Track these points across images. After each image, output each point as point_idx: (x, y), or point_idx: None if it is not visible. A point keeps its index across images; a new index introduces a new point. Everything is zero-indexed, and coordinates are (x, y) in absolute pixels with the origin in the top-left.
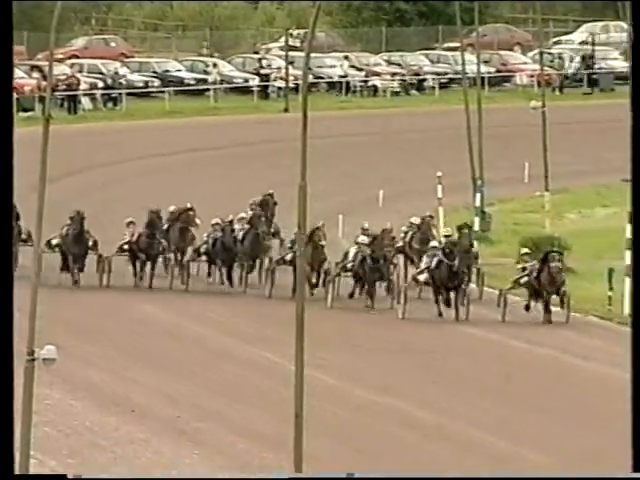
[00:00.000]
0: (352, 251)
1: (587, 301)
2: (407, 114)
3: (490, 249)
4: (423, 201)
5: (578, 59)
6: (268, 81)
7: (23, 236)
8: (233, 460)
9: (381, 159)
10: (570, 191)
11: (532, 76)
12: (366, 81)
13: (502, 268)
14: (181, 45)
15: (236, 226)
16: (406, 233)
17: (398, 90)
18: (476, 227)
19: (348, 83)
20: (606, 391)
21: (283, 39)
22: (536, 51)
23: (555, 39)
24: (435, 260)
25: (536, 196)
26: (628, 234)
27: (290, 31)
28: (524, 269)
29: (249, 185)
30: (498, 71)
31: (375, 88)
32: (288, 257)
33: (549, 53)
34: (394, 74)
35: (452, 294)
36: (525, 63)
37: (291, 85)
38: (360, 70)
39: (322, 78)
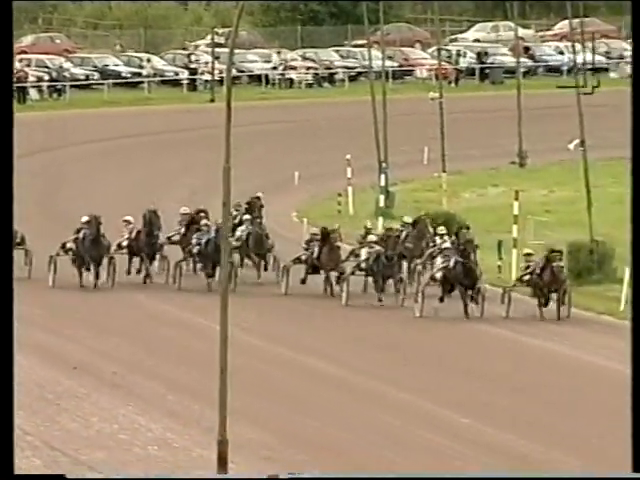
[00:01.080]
0: (364, 251)
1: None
2: (320, 104)
3: (394, 224)
4: (334, 182)
5: (471, 55)
6: (196, 74)
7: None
8: (163, 410)
9: (297, 144)
10: (464, 173)
11: (430, 70)
12: (283, 74)
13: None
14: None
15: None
16: (401, 232)
17: (312, 82)
18: (381, 204)
19: (267, 76)
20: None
21: (210, 37)
22: (434, 48)
23: (451, 37)
24: (452, 260)
25: (434, 177)
26: (515, 210)
27: (216, 29)
28: (527, 267)
29: (179, 166)
30: (400, 66)
31: (291, 81)
32: (303, 257)
33: (446, 49)
34: (308, 68)
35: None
36: (424, 58)
37: (217, 78)
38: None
39: (244, 72)
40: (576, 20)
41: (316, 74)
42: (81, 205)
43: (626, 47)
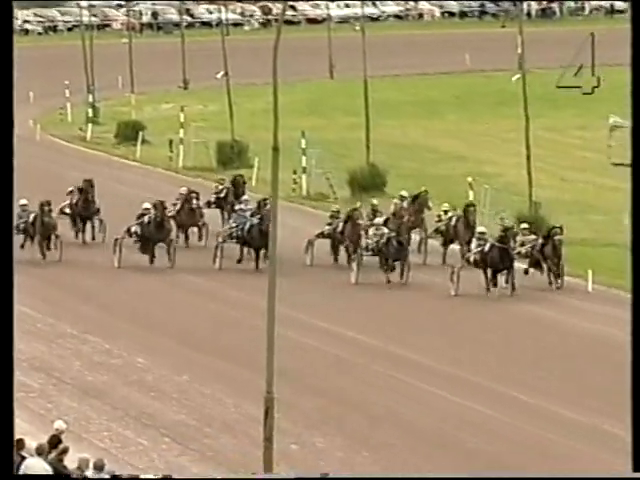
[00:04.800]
0: (370, 232)
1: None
2: (43, 48)
3: (99, 128)
4: (57, 99)
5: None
6: None
7: None
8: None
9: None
10: (147, 93)
11: (123, 24)
12: None
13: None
14: None
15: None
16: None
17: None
18: (90, 115)
19: None
20: None
21: None
22: (124, 9)
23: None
24: (488, 244)
25: (126, 96)
26: (181, 119)
27: None
28: (523, 243)
29: None
30: (102, 20)
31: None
32: (326, 231)
33: (134, 10)
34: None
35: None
36: (118, 16)
37: None
38: None
39: None
40: None
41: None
42: None
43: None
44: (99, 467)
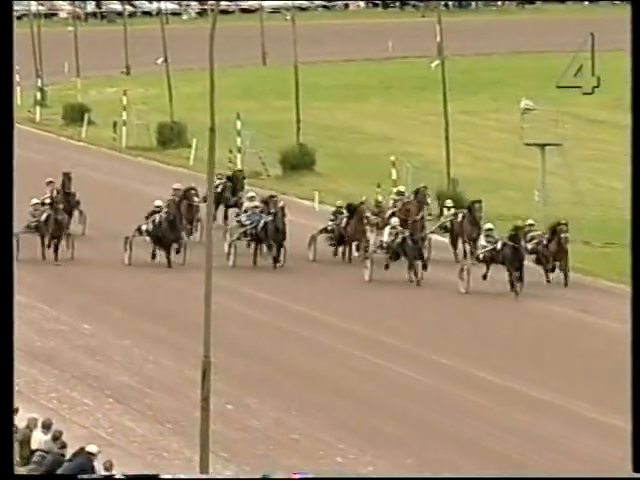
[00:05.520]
0: (386, 231)
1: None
2: None
3: (47, 110)
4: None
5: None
6: None
7: None
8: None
9: None
10: (91, 78)
11: (69, 13)
12: None
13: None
14: None
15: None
16: (397, 201)
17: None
18: (38, 98)
19: None
20: None
21: None
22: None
23: None
24: (500, 242)
25: (72, 81)
26: (124, 102)
27: None
28: (532, 238)
29: None
30: (49, 9)
31: None
32: (330, 226)
33: None
34: None
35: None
36: (64, 6)
37: None
38: None
39: None
40: None
41: None
42: None
43: None
44: (47, 426)
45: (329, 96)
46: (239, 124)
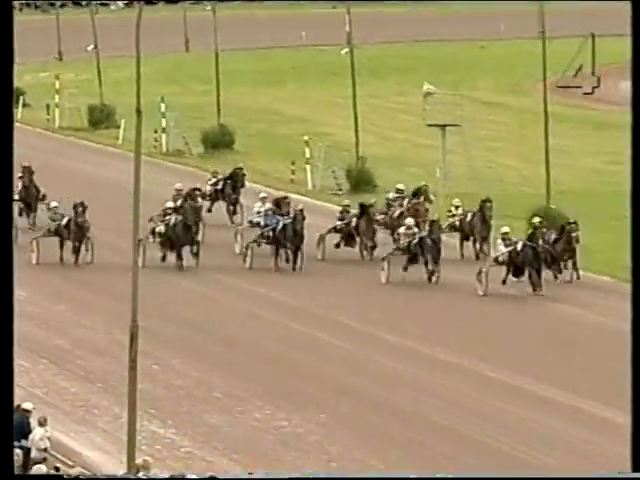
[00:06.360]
0: (402, 231)
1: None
2: None
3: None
4: None
5: None
6: None
7: None
8: None
9: None
10: (26, 63)
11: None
12: None
13: None
14: None
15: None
16: (402, 199)
17: None
18: None
19: None
20: None
21: None
22: None
23: None
24: (520, 243)
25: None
26: (57, 85)
27: None
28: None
29: None
30: None
31: None
32: (338, 226)
33: None
34: None
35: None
36: None
37: None
38: None
39: None
40: None
41: None
42: None
43: None
44: None
45: (248, 81)
46: (163, 107)
